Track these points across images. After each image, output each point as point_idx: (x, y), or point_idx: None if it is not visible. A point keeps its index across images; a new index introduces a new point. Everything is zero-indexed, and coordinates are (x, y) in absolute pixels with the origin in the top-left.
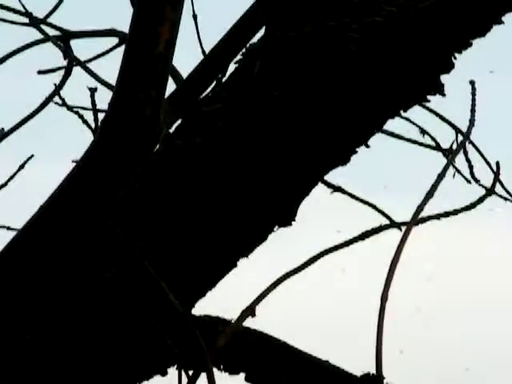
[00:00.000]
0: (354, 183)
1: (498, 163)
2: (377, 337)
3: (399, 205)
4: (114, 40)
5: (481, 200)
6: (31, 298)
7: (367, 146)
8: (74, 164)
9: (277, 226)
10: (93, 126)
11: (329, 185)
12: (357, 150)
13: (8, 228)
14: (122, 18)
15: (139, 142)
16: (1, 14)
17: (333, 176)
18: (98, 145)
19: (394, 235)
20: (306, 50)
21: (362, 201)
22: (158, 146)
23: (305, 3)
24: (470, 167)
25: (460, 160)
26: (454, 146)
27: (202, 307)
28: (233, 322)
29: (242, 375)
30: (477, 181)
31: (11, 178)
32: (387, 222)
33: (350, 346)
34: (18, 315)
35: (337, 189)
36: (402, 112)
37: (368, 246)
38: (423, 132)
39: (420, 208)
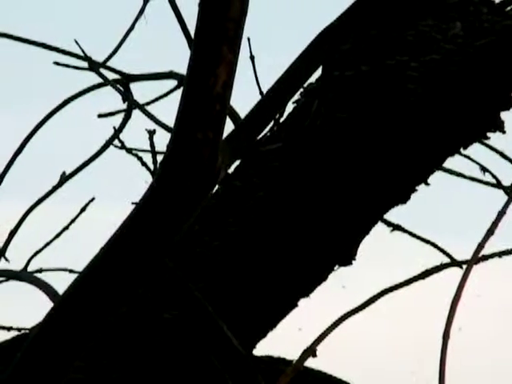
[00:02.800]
0: (413, 221)
1: None
2: (439, 375)
3: (459, 243)
4: (173, 82)
5: None
6: (93, 338)
7: (427, 184)
8: (134, 206)
9: (337, 265)
10: (152, 168)
11: (388, 223)
12: (416, 188)
13: (70, 271)
14: (182, 60)
15: (198, 183)
16: (60, 59)
17: (392, 214)
18: (156, 187)
19: (455, 274)
20: (363, 89)
21: (421, 239)
22: (216, 187)
23: (362, 42)
24: None
25: None
26: None
27: (263, 347)
28: (294, 362)
29: None
30: None
31: (73, 220)
32: (448, 260)
33: None
34: (77, 355)
35: (396, 227)
36: (461, 149)
37: (429, 285)
38: (483, 169)
39: (481, 246)
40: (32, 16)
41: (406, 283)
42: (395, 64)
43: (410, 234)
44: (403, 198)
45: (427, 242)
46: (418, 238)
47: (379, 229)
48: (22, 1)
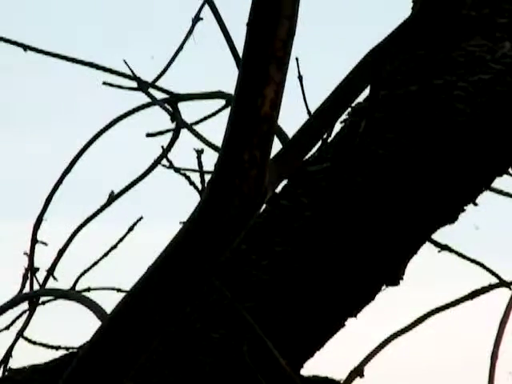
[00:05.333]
0: (461, 242)
1: None
2: None
3: (508, 263)
4: (221, 102)
5: None
6: (141, 357)
7: (475, 204)
8: (181, 225)
9: (384, 286)
10: (199, 187)
11: (436, 243)
12: (465, 208)
13: (118, 290)
14: (230, 80)
15: (245, 202)
16: (110, 79)
17: (440, 234)
18: (204, 206)
19: (503, 294)
20: (411, 109)
21: (469, 259)
22: (264, 207)
23: (410, 62)
24: None
25: None
26: None
27: (311, 367)
28: (341, 382)
29: None
30: None
31: (121, 240)
32: (496, 280)
33: None
34: (125, 374)
35: (444, 247)
36: (510, 169)
37: (477, 305)
38: None
39: None
40: (83, 36)
41: (454, 304)
42: (443, 84)
43: (458, 254)
44: (451, 218)
45: (475, 262)
46: (466, 258)
47: (427, 249)
48: (74, 22)
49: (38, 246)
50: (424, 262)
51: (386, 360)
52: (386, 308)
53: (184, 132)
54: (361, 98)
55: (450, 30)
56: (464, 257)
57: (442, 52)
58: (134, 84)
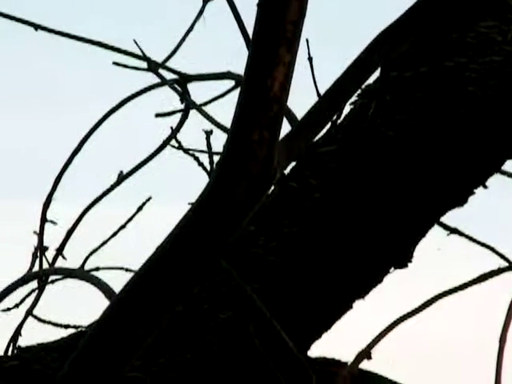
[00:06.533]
0: (470, 225)
1: None
2: (495, 380)
3: None
4: (230, 83)
5: None
6: (149, 336)
7: (485, 187)
8: (190, 206)
9: (393, 268)
10: (208, 168)
11: (445, 226)
12: (474, 191)
13: (126, 270)
14: (239, 61)
15: (254, 183)
16: (119, 59)
17: (449, 217)
18: (213, 187)
19: None
20: (422, 91)
21: (479, 243)
22: (272, 188)
23: (420, 43)
24: None
25: None
26: None
27: (318, 349)
28: (349, 364)
29: None
30: None
31: (130, 219)
32: (505, 264)
33: None
34: (134, 353)
35: (453, 230)
36: None
37: (485, 289)
38: None
39: None
40: (92, 15)
41: (463, 287)
42: (454, 65)
43: (468, 237)
44: (461, 201)
45: (485, 245)
46: (476, 241)
47: (436, 231)
48: (82, 1)
49: (47, 225)
50: (433, 245)
51: (393, 342)
52: (394, 290)
53: (193, 113)
54: (371, 80)
55: (461, 12)
56: (474, 240)
57: (453, 33)
58: (144, 64)
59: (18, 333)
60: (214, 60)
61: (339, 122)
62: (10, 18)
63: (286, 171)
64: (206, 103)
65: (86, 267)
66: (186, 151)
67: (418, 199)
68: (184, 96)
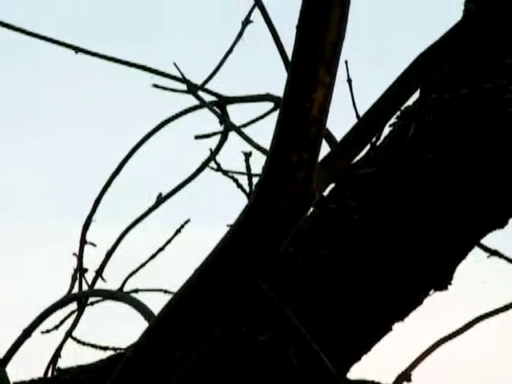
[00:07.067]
0: (510, 246)
1: None
2: None
3: None
4: (269, 105)
5: None
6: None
7: None
8: (229, 228)
9: (433, 290)
10: (247, 190)
11: (485, 248)
12: None
13: (165, 291)
14: (279, 83)
15: (293, 205)
16: (159, 81)
17: (489, 239)
18: (252, 209)
19: None
20: (461, 113)
21: None
22: (311, 210)
23: (460, 65)
24: None
25: None
26: None
27: (357, 371)
28: None
29: None
30: None
31: (168, 242)
32: None
33: None
34: (172, 375)
35: (493, 252)
36: None
37: None
38: None
39: None
40: (133, 38)
41: (503, 310)
42: (494, 87)
43: (508, 259)
44: (501, 223)
45: None
46: None
47: (476, 254)
48: (122, 24)
49: (86, 247)
50: (473, 268)
51: (433, 365)
52: (435, 313)
53: (232, 135)
54: (410, 102)
55: (501, 33)
56: None
57: (493, 55)
58: (184, 86)
59: (57, 354)
60: (253, 82)
61: (378, 143)
62: (53, 42)
63: (326, 193)
64: (245, 125)
65: (125, 289)
66: (225, 173)
67: (458, 221)
68: (223, 118)
